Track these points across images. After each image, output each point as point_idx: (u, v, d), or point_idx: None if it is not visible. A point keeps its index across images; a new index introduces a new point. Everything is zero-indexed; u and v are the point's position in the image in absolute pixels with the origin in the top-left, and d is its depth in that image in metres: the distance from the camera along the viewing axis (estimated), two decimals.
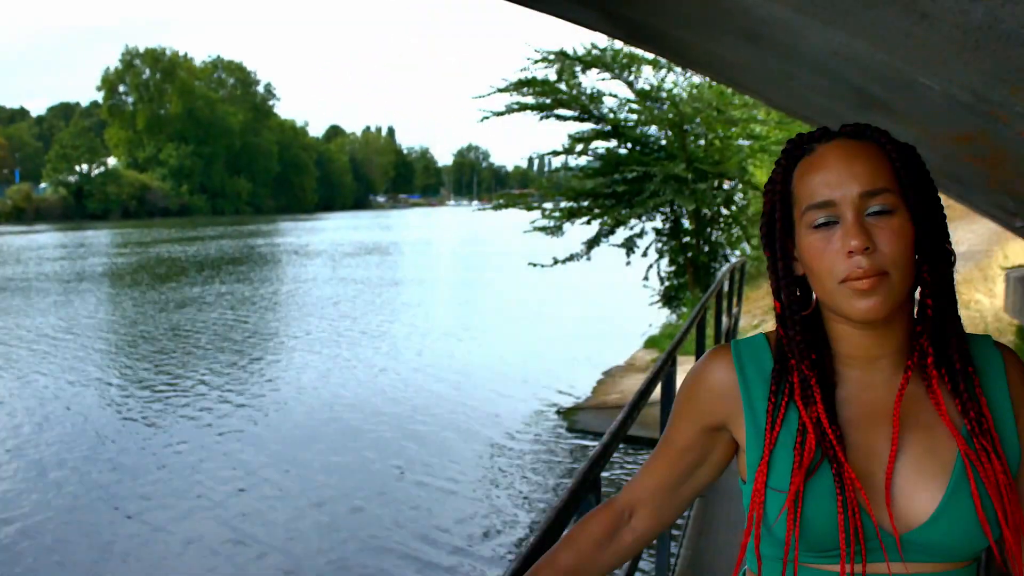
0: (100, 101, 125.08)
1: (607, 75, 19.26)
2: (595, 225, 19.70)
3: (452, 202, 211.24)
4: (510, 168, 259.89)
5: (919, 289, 1.34)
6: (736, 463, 1.52)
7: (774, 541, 1.38)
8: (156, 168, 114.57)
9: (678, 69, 19.01)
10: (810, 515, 1.32)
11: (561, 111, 19.22)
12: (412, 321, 24.26)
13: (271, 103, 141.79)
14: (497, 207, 20.42)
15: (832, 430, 1.33)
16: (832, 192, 1.29)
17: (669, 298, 20.82)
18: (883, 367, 1.38)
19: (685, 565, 4.93)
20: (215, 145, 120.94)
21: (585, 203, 19.51)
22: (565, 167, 22.02)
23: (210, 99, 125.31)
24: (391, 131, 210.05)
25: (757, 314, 18.15)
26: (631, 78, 19.33)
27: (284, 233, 74.24)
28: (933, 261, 1.31)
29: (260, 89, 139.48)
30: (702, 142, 19.97)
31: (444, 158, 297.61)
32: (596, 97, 19.27)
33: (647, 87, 19.49)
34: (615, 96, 19.72)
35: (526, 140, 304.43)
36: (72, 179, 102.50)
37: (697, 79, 19.47)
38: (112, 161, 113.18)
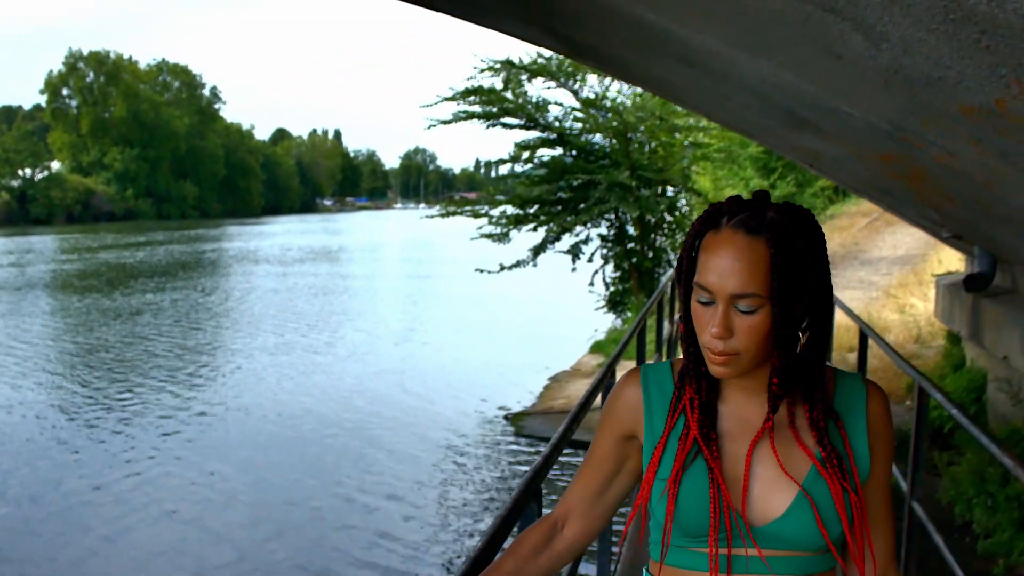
0: (43, 104, 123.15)
1: (552, 84, 19.47)
2: (541, 232, 19.88)
3: (399, 205, 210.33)
4: (457, 171, 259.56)
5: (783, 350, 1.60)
6: None
7: (656, 526, 1.70)
8: (101, 172, 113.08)
9: None
10: (683, 504, 1.63)
11: (507, 119, 19.38)
12: (363, 327, 24.34)
13: (217, 106, 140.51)
14: (444, 214, 20.52)
15: (704, 433, 1.64)
16: (712, 283, 1.55)
17: (614, 303, 21.07)
18: (759, 396, 1.66)
19: (626, 567, 5.09)
20: (160, 149, 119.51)
21: (531, 210, 19.68)
22: (512, 174, 22.15)
23: (155, 102, 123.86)
24: (338, 134, 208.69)
25: None
26: (576, 87, 19.56)
27: (232, 238, 73.57)
28: (783, 347, 1.57)
29: (206, 92, 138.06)
30: (646, 150, 20.22)
31: (391, 161, 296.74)
32: (542, 106, 19.48)
33: (592, 96, 19.71)
34: (560, 104, 19.98)
35: (473, 143, 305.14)
36: (15, 183, 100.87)
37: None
38: (56, 165, 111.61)
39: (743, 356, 1.57)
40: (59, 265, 45.32)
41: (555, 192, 19.31)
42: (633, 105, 19.57)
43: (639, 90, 19.89)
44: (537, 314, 25.87)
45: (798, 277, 1.55)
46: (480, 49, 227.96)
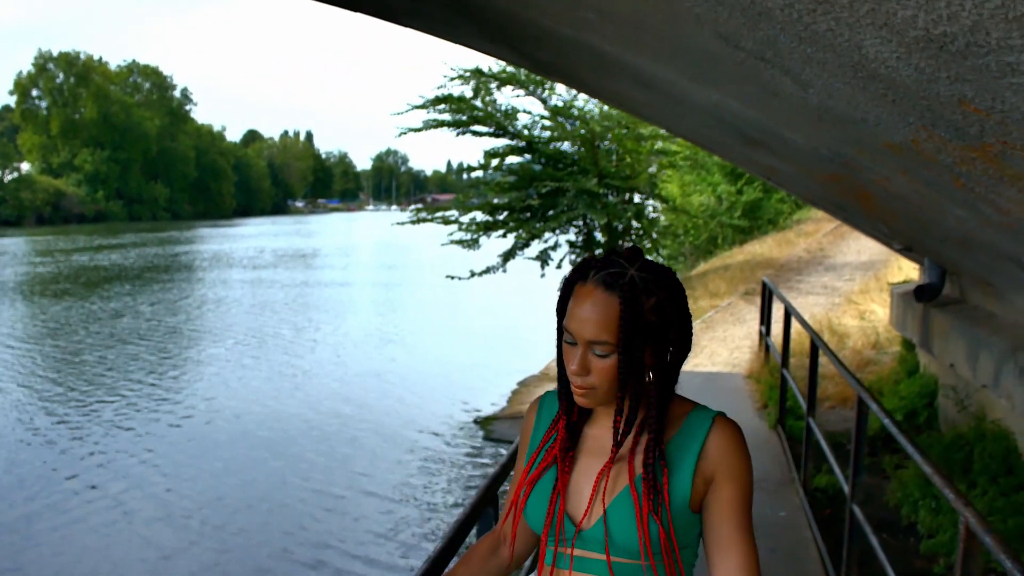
0: (12, 105, 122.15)
1: (521, 92, 19.63)
2: (511, 238, 20.03)
3: (371, 207, 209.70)
4: (429, 172, 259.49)
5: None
6: None
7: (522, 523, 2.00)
8: (71, 174, 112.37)
9: None
10: (530, 504, 1.95)
11: (477, 127, 19.52)
12: (336, 330, 24.50)
13: (188, 108, 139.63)
14: (415, 221, 20.60)
15: (562, 448, 1.95)
16: (574, 329, 1.83)
17: None
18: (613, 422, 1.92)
19: None
20: (131, 150, 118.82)
21: (501, 217, 19.83)
22: (482, 180, 22.25)
23: (126, 104, 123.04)
24: (309, 136, 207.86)
25: None
26: (545, 95, 19.73)
27: (204, 240, 73.14)
28: (628, 389, 1.83)
29: (176, 94, 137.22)
30: (613, 157, 20.41)
31: (363, 163, 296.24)
32: (511, 114, 19.61)
33: (560, 104, 19.89)
34: (529, 113, 20.10)
35: (445, 144, 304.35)
36: None
37: None
38: (25, 166, 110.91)
39: (599, 390, 1.85)
40: (33, 268, 45.19)
41: (524, 199, 19.43)
42: (600, 114, 19.75)
43: None
44: (508, 319, 26.13)
45: (644, 330, 1.80)
46: (451, 56, 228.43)
